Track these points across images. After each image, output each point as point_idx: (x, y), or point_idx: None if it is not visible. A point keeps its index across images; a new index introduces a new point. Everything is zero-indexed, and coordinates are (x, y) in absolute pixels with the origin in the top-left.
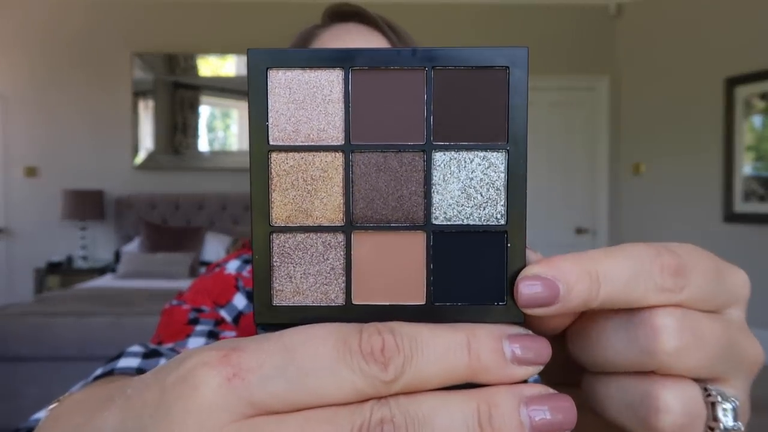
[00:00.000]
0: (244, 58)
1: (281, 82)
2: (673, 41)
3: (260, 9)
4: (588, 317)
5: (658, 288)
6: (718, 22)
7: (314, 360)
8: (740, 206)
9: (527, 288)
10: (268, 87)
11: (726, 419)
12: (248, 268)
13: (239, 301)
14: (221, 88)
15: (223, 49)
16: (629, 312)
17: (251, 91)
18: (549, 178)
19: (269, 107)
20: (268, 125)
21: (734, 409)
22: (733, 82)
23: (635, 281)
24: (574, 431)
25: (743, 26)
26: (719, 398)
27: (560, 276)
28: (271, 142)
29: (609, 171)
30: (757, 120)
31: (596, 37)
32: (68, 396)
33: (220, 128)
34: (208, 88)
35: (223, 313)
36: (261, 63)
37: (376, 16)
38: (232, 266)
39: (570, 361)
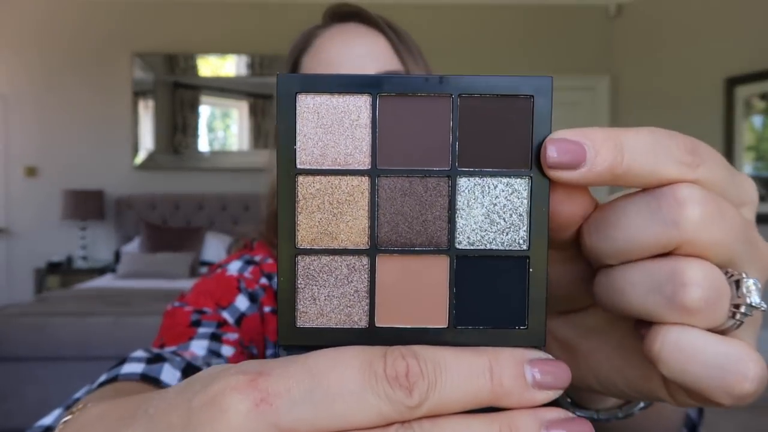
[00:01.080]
0: (244, 58)
1: (310, 106)
2: (673, 41)
3: (260, 9)
4: (607, 205)
5: (677, 160)
6: (718, 22)
7: (340, 385)
8: None
9: (554, 149)
10: (297, 111)
11: (751, 296)
12: (250, 269)
13: (241, 302)
14: (221, 88)
15: (223, 49)
16: (650, 191)
17: (280, 115)
18: None
19: (297, 131)
20: (296, 149)
21: (758, 288)
22: (733, 82)
23: (655, 153)
24: (579, 357)
25: (743, 26)
26: (744, 275)
27: (586, 139)
28: (298, 166)
29: None
30: (757, 120)
31: (596, 37)
32: (82, 409)
33: (220, 128)
34: (208, 88)
35: (225, 315)
36: (290, 88)
37: (376, 16)
38: (234, 267)
39: (575, 287)
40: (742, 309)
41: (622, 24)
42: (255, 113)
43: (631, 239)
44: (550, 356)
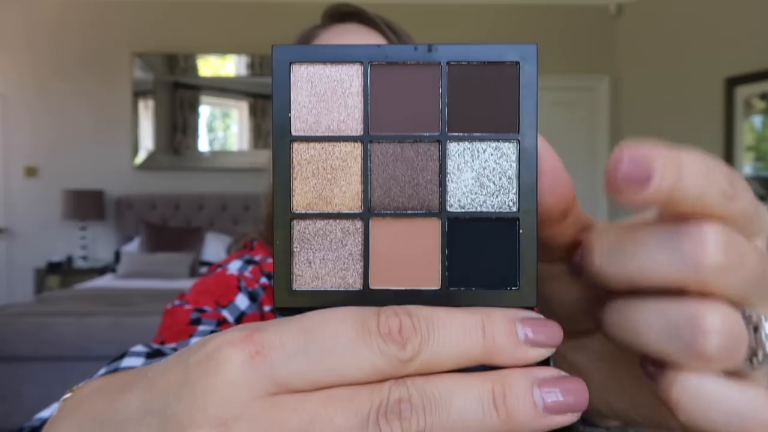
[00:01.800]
0: (244, 58)
1: (303, 76)
2: (673, 41)
3: (260, 9)
4: (624, 230)
5: (720, 190)
6: (718, 22)
7: (334, 339)
8: None
9: (628, 164)
10: (291, 80)
11: None
12: (250, 268)
13: (241, 301)
14: (221, 88)
15: (223, 49)
16: (674, 224)
17: (275, 84)
18: None
19: (292, 99)
20: (290, 117)
21: None
22: (733, 82)
23: (706, 179)
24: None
25: (743, 26)
26: (763, 320)
27: (656, 155)
28: (293, 133)
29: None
30: (757, 120)
31: (596, 37)
32: (83, 386)
33: (220, 128)
34: (208, 88)
35: (225, 314)
36: (285, 58)
37: (376, 16)
38: (234, 267)
39: (582, 308)
40: (760, 356)
41: (622, 24)
42: (255, 113)
43: (645, 272)
44: (542, 316)
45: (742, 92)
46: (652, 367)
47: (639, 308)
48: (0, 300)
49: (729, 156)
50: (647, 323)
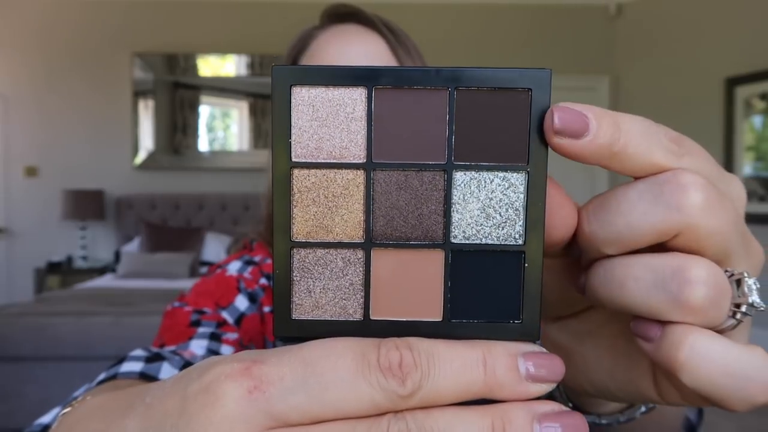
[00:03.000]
0: (244, 58)
1: (305, 99)
2: (673, 41)
3: (260, 9)
4: (607, 192)
5: (664, 148)
6: (718, 22)
7: (334, 373)
8: None
9: (559, 116)
10: (292, 104)
11: (752, 295)
12: (249, 269)
13: (241, 302)
14: (221, 88)
15: (223, 49)
16: (652, 177)
17: (275, 107)
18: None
19: (292, 124)
20: (290, 142)
21: (757, 287)
22: (733, 82)
23: (647, 137)
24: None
25: (743, 26)
26: (745, 274)
27: (589, 111)
28: (293, 159)
29: (609, 171)
30: (757, 120)
31: (596, 37)
32: (81, 401)
33: (220, 128)
34: (208, 88)
35: (225, 315)
36: (285, 80)
37: (374, 16)
38: (234, 267)
39: (566, 292)
40: (743, 309)
41: (622, 24)
42: (255, 113)
43: (632, 225)
44: (544, 350)
45: (742, 92)
46: (646, 327)
47: (625, 264)
48: (0, 300)
49: (729, 156)
50: (633, 277)
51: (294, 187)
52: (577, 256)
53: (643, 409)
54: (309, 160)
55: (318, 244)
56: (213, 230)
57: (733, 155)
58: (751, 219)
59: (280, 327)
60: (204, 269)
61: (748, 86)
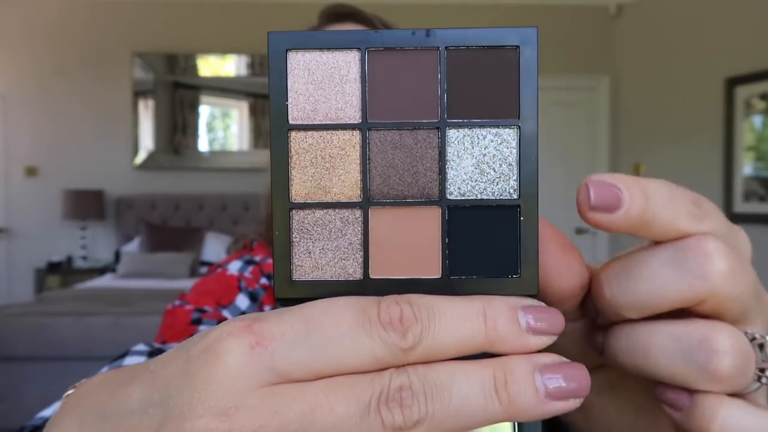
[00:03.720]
0: (244, 58)
1: (300, 63)
2: (673, 41)
3: (260, 9)
4: (628, 257)
5: (688, 212)
6: (718, 22)
7: (335, 329)
8: (740, 206)
9: (595, 190)
10: (288, 68)
11: None
12: (250, 269)
13: (242, 301)
14: (221, 88)
15: (223, 49)
16: (672, 243)
17: (271, 72)
18: (549, 178)
19: (289, 87)
20: (287, 105)
21: None
22: (733, 82)
23: (671, 202)
24: (594, 411)
25: (743, 26)
26: (767, 338)
27: (620, 182)
28: (290, 121)
29: (609, 171)
30: (757, 120)
31: (596, 37)
32: (85, 381)
33: (220, 128)
34: (208, 88)
35: (226, 314)
36: (281, 45)
37: (373, 16)
38: (234, 267)
39: (580, 348)
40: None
41: (622, 24)
42: (255, 113)
43: (657, 293)
44: (543, 304)
45: (742, 92)
46: (674, 397)
47: (648, 332)
48: (0, 300)
49: (729, 156)
50: (658, 347)
51: (291, 149)
52: (593, 317)
53: None
54: (306, 123)
55: (316, 205)
56: (213, 230)
57: (733, 155)
58: (752, 219)
59: (280, 289)
60: (204, 269)
61: (748, 86)
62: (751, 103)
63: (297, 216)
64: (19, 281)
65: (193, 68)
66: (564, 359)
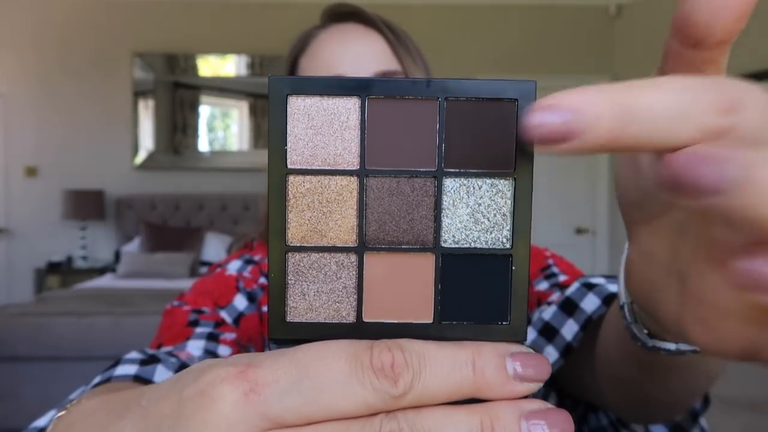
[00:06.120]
0: (244, 58)
1: (300, 108)
2: None
3: (260, 9)
4: None
5: (713, 107)
6: None
7: (327, 375)
8: None
9: (539, 121)
10: (288, 113)
11: None
12: (249, 268)
13: (240, 302)
14: (221, 88)
15: (223, 49)
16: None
17: (272, 116)
18: (549, 178)
19: (288, 132)
20: (287, 149)
21: None
22: None
23: (674, 116)
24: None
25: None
26: None
27: (582, 106)
28: (289, 166)
29: (609, 171)
30: None
31: (596, 37)
32: (76, 404)
33: (220, 128)
34: (208, 88)
35: (224, 314)
36: (281, 90)
37: (375, 16)
38: (233, 267)
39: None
40: None
41: (622, 24)
42: (255, 113)
43: None
44: (531, 350)
45: None
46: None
47: None
48: (0, 300)
49: None
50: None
51: (289, 192)
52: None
53: None
54: (304, 167)
55: (312, 249)
56: (213, 230)
57: None
58: None
59: (275, 329)
60: (204, 269)
61: None
62: None
63: (293, 258)
64: (19, 281)
65: (193, 68)
66: (549, 405)
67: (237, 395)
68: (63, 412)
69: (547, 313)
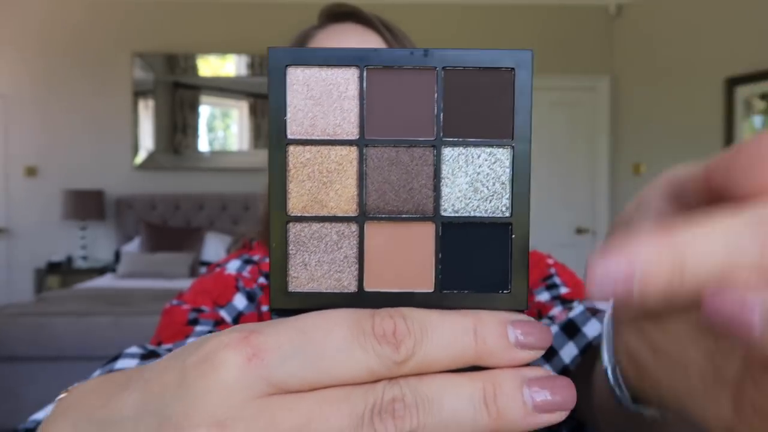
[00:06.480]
0: (244, 58)
1: (299, 79)
2: (673, 41)
3: (260, 9)
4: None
5: (753, 261)
6: (718, 22)
7: (330, 341)
8: None
9: (597, 281)
10: (287, 84)
11: None
12: (248, 268)
13: (239, 301)
14: (221, 88)
15: (223, 49)
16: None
17: (271, 87)
18: (549, 178)
19: (288, 103)
20: (286, 120)
21: None
22: (733, 82)
23: (725, 256)
24: None
25: (743, 26)
26: None
27: (633, 259)
28: (289, 136)
29: (609, 171)
30: (757, 120)
31: (596, 37)
32: (78, 385)
33: (220, 128)
34: (208, 88)
35: (223, 314)
36: (281, 61)
37: (372, 16)
38: (233, 266)
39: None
40: None
41: (622, 24)
42: (255, 113)
43: None
44: (533, 319)
45: (742, 92)
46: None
47: None
48: (0, 300)
49: None
50: None
51: (290, 163)
52: None
53: None
54: (304, 137)
55: (313, 218)
56: (213, 230)
57: None
58: None
59: (276, 300)
60: (204, 269)
61: (748, 86)
62: (751, 103)
63: (294, 229)
64: (19, 281)
65: (193, 68)
66: (551, 372)
67: (240, 360)
68: (64, 394)
69: None
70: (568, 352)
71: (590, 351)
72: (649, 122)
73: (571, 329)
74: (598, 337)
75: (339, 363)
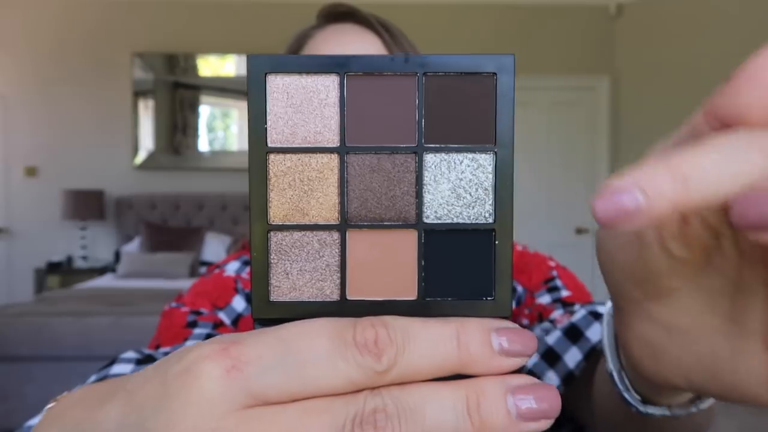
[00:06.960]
0: (244, 58)
1: (279, 86)
2: (673, 41)
3: (260, 9)
4: None
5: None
6: (718, 22)
7: (311, 351)
8: None
9: (602, 206)
10: (267, 91)
11: None
12: (248, 269)
13: (238, 303)
14: (221, 88)
15: (223, 49)
16: None
17: (251, 95)
18: (549, 178)
19: (268, 111)
20: (266, 128)
21: None
22: None
23: (728, 171)
24: None
25: (743, 26)
26: None
27: (636, 183)
28: (269, 144)
29: (609, 171)
30: None
31: (596, 37)
32: (65, 395)
33: (220, 128)
34: (208, 88)
35: (222, 316)
36: (260, 68)
37: (370, 16)
38: (232, 268)
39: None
40: None
41: (622, 24)
42: None
43: None
44: (517, 326)
45: None
46: None
47: None
48: (0, 300)
49: None
50: None
51: (270, 171)
52: None
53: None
54: (284, 145)
55: (294, 227)
56: (213, 230)
57: None
58: None
59: (258, 309)
60: (204, 269)
61: None
62: None
63: (275, 237)
64: (19, 281)
65: (193, 68)
66: (536, 380)
67: (219, 371)
68: (53, 404)
69: (551, 337)
70: (573, 357)
71: (594, 355)
72: (649, 122)
73: (574, 333)
74: (602, 341)
75: (320, 374)
